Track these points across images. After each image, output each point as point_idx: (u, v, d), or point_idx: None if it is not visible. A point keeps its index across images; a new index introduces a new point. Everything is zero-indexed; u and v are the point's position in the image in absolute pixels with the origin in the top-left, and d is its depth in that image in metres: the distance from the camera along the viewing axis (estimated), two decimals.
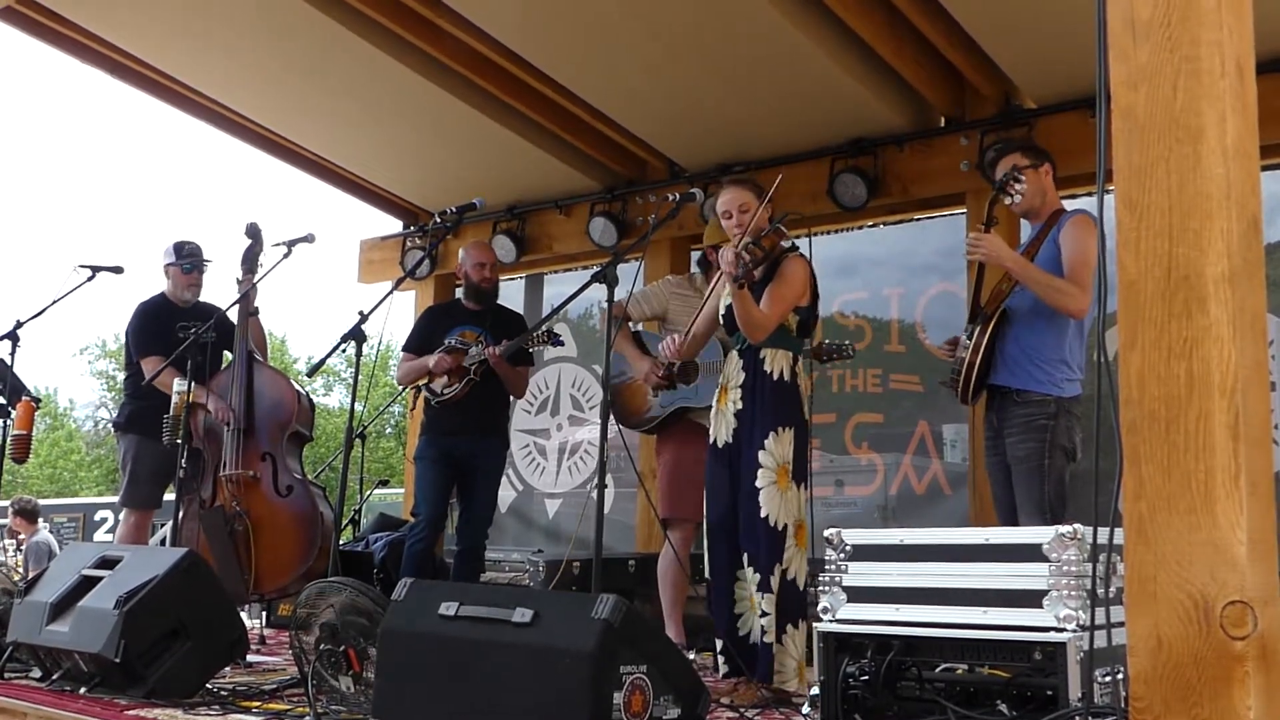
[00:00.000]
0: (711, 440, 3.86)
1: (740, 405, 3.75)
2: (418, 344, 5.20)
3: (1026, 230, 4.07)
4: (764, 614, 3.59)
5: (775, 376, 3.73)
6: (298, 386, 5.22)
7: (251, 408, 4.96)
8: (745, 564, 3.67)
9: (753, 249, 3.61)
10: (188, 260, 5.22)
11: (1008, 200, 3.73)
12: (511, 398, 5.33)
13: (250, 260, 5.06)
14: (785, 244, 3.75)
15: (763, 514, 3.62)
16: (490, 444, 5.14)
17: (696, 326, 4.04)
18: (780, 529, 3.63)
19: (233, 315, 5.08)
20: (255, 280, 5.02)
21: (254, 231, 5.09)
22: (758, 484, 3.65)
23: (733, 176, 4.24)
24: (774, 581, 3.60)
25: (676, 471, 4.71)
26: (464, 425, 5.02)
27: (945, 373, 3.91)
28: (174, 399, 4.68)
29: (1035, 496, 3.60)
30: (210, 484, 4.93)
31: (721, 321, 3.88)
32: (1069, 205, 3.89)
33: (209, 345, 4.97)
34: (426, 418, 5.19)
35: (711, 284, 3.92)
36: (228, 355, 5.18)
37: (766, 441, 3.66)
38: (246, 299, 5.03)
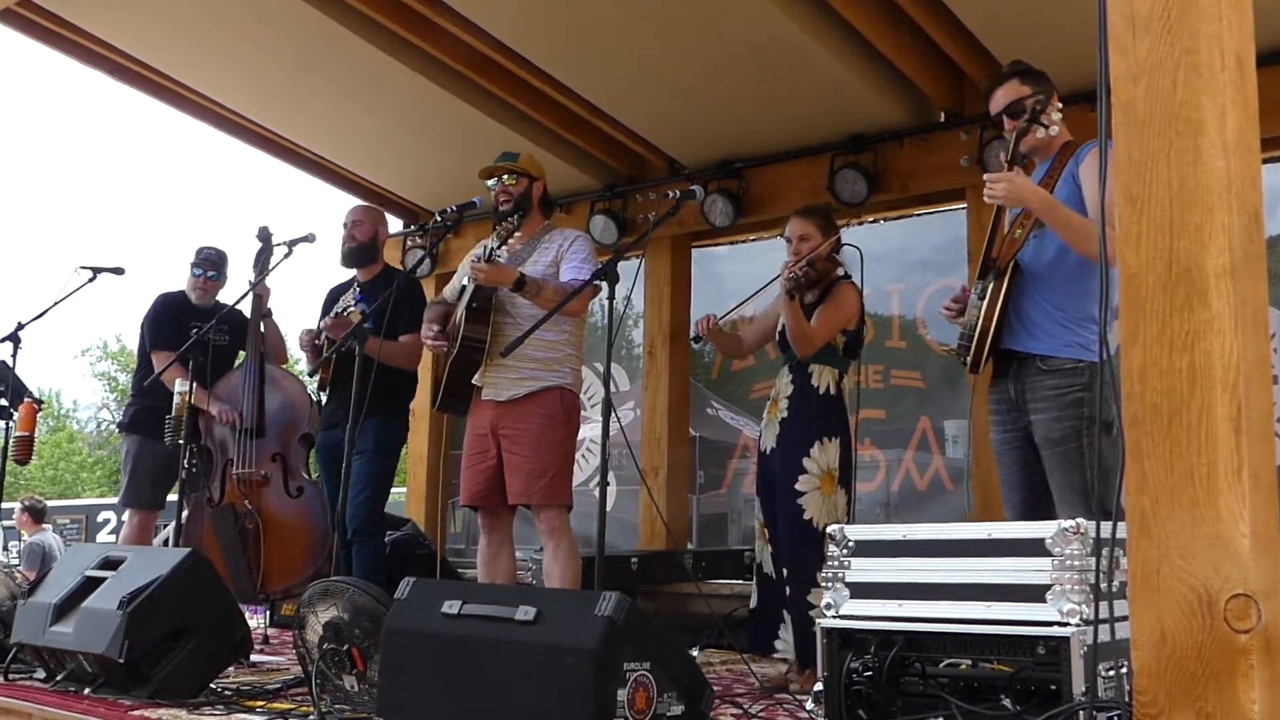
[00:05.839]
0: (760, 449, 4.12)
1: (786, 414, 4.01)
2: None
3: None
4: (813, 608, 3.69)
5: (822, 390, 4.00)
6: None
7: (262, 409, 4.97)
8: (778, 561, 3.92)
9: (807, 270, 3.92)
10: (198, 266, 5.29)
11: (1040, 133, 3.23)
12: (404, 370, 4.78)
13: (261, 263, 5.10)
14: (840, 272, 4.11)
15: (806, 515, 3.87)
16: (367, 423, 4.37)
17: (748, 334, 4.38)
18: (825, 531, 3.75)
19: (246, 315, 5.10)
20: (260, 280, 5.04)
21: (264, 235, 5.14)
22: (799, 487, 3.89)
23: (805, 206, 4.36)
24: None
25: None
26: (338, 415, 4.60)
27: (944, 366, 3.89)
28: (175, 399, 4.70)
29: (1076, 482, 3.10)
30: (219, 482, 4.94)
31: (776, 338, 4.16)
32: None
33: (223, 346, 5.03)
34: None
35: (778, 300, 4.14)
36: (242, 354, 5.20)
37: (812, 450, 3.93)
38: (259, 301, 5.06)
